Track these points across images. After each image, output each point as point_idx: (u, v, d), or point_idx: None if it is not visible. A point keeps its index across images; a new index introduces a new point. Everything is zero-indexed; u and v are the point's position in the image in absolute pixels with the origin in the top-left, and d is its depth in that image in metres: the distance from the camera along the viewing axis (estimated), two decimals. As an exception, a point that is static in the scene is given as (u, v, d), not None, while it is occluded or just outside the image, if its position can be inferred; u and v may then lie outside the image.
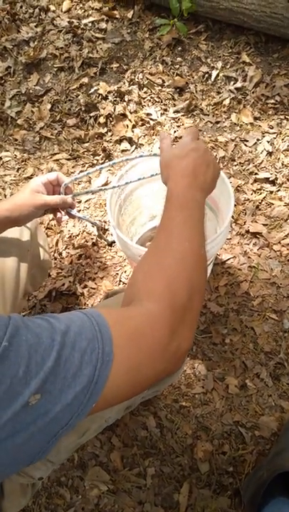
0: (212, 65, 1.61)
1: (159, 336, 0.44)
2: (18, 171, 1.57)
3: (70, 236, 1.37)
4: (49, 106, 1.66)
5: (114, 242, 0.94)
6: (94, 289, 1.26)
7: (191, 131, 0.65)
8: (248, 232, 1.29)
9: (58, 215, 0.86)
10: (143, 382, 0.44)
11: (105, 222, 1.37)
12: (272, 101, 1.52)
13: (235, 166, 1.43)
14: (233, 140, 1.49)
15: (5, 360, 0.34)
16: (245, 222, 1.30)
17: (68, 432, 0.39)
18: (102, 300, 1.22)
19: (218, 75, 1.59)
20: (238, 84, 1.56)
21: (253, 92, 1.55)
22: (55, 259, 1.34)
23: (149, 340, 0.44)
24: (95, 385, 0.39)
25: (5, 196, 1.51)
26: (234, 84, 1.57)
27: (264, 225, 1.29)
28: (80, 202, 1.43)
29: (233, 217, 1.31)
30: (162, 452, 1.01)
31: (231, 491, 0.95)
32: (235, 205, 1.33)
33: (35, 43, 1.75)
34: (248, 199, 1.35)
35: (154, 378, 0.45)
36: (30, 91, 1.69)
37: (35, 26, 1.78)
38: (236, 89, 1.56)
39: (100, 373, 0.39)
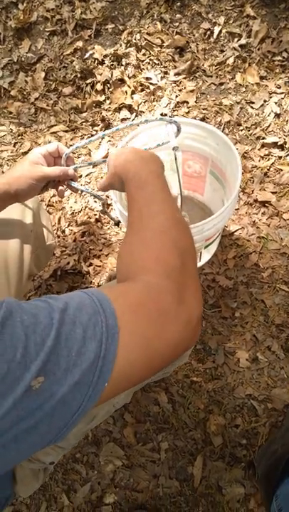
0: (214, 20, 1.50)
1: (164, 304, 0.42)
2: (14, 145, 1.51)
3: (73, 213, 1.33)
4: (43, 74, 1.57)
5: (120, 221, 0.90)
6: (99, 266, 1.23)
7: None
8: (256, 201, 1.24)
9: (60, 188, 0.83)
10: (158, 356, 0.41)
11: (108, 196, 1.32)
12: (280, 58, 1.42)
13: (242, 130, 1.36)
14: (238, 102, 1.40)
15: None
16: (253, 191, 1.25)
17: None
18: (106, 281, 1.20)
19: (220, 31, 1.49)
20: (243, 41, 1.46)
21: (258, 49, 1.44)
22: (58, 237, 1.30)
23: (154, 310, 0.41)
24: (103, 360, 0.36)
25: (2, 173, 1.46)
26: (238, 41, 1.47)
27: (273, 193, 1.24)
28: (80, 176, 1.38)
29: (240, 186, 1.26)
30: (175, 427, 1.02)
31: (245, 462, 0.96)
32: (242, 173, 1.27)
33: (25, 4, 1.63)
34: (256, 166, 1.29)
35: (172, 352, 0.43)
36: (23, 59, 1.60)
37: (23, -14, 1.66)
38: (240, 46, 1.46)
39: (106, 347, 0.37)
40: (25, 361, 0.33)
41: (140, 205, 0.52)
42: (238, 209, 1.24)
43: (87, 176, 1.39)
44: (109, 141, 1.44)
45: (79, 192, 1.09)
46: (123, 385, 0.40)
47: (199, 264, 1.16)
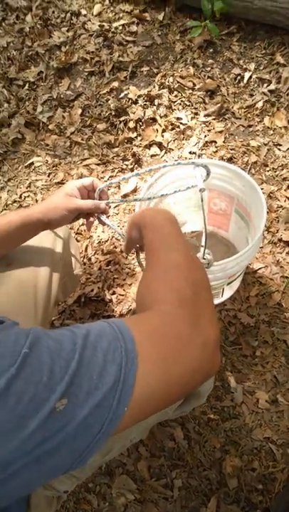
0: (244, 66, 1.57)
1: (179, 329, 0.44)
2: (49, 176, 1.59)
3: (100, 242, 1.38)
4: (80, 111, 1.67)
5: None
6: (122, 295, 1.26)
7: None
8: (280, 240, 1.25)
9: (91, 219, 0.87)
10: (176, 380, 0.43)
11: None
12: (308, 103, 1.47)
13: (268, 171, 1.39)
14: (265, 144, 1.45)
15: (27, 367, 0.35)
16: (277, 230, 1.27)
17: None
18: (127, 310, 1.22)
19: (250, 77, 1.56)
20: (272, 87, 1.52)
21: (287, 94, 1.50)
22: (84, 264, 1.34)
23: (170, 335, 0.43)
24: (122, 383, 0.38)
25: (36, 201, 1.53)
26: (267, 86, 1.53)
27: (297, 233, 1.25)
28: (109, 207, 1.44)
29: (265, 225, 1.28)
30: (190, 465, 1.00)
31: (261, 509, 0.93)
32: (267, 213, 1.29)
33: (67, 47, 1.76)
34: (281, 206, 1.31)
35: (190, 377, 0.44)
36: (62, 96, 1.70)
37: (67, 31, 1.79)
38: (270, 91, 1.52)
39: (126, 371, 0.39)
40: (51, 384, 0.35)
41: (156, 245, 0.55)
42: (262, 247, 1.25)
43: (115, 207, 1.45)
44: (138, 174, 1.49)
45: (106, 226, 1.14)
46: (143, 409, 0.41)
47: (221, 299, 1.17)
